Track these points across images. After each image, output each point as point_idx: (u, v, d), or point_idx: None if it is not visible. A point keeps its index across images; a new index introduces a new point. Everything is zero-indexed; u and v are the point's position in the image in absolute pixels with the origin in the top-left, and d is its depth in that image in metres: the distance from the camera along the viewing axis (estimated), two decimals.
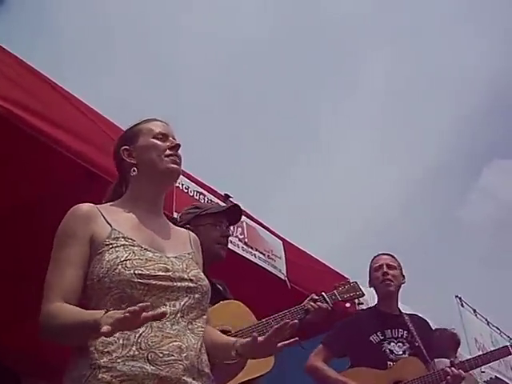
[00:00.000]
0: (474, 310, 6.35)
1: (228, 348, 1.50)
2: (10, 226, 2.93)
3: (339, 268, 4.18)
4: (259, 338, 1.41)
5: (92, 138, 2.56)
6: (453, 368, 2.66)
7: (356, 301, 4.03)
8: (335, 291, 2.50)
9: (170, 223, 1.71)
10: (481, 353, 3.11)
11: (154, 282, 1.39)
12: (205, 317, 1.51)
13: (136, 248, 1.44)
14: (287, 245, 3.76)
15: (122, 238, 1.45)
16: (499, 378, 5.95)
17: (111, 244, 1.43)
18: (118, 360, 1.29)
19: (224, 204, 2.47)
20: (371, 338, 2.84)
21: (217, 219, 2.36)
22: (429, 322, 3.15)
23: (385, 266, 2.99)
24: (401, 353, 2.82)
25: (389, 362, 2.78)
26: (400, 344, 2.85)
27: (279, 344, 1.42)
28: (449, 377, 2.63)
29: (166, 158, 1.59)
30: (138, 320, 1.20)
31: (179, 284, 1.44)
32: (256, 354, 1.49)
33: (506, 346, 2.94)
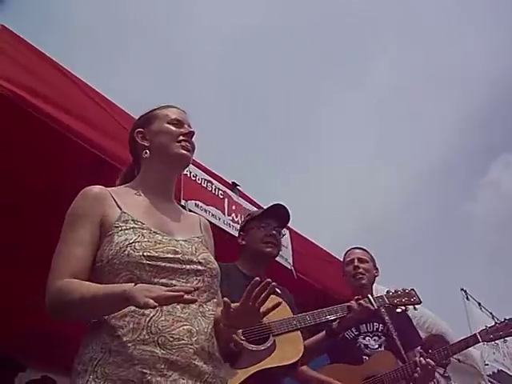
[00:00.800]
0: (479, 304, 6.34)
1: (219, 323, 1.50)
2: (22, 212, 2.94)
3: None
4: (233, 305, 1.43)
5: (102, 125, 2.57)
6: (421, 358, 2.65)
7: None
8: (384, 295, 2.51)
9: (180, 208, 1.72)
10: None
11: (162, 264, 1.40)
12: (215, 300, 1.52)
13: (145, 231, 1.45)
14: (294, 234, 3.77)
15: (132, 220, 1.46)
16: (503, 371, 5.96)
17: (121, 226, 1.44)
18: (129, 344, 1.30)
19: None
20: (346, 334, 2.82)
21: (261, 221, 2.46)
22: (407, 312, 3.03)
23: (356, 260, 3.01)
24: (376, 346, 2.82)
25: (364, 357, 2.78)
26: (376, 338, 2.84)
27: (262, 309, 1.44)
28: (418, 368, 2.62)
29: (177, 144, 1.61)
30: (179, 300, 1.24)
31: (188, 267, 1.45)
32: (239, 321, 1.48)
33: (475, 334, 2.91)
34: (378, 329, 2.87)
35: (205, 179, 3.20)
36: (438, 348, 2.77)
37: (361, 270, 2.97)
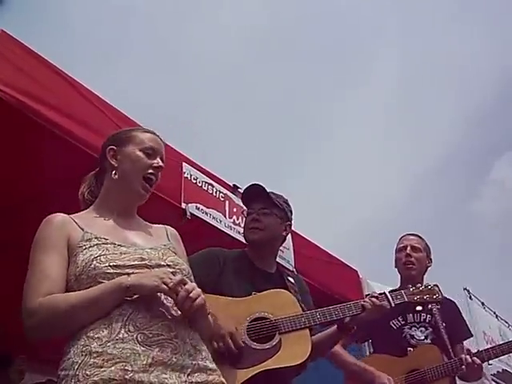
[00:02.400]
0: (483, 303, 6.32)
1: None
2: (23, 214, 2.95)
3: (347, 255, 4.20)
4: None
5: (100, 127, 2.56)
6: (468, 356, 2.60)
7: None
8: (403, 291, 2.34)
9: (144, 221, 1.72)
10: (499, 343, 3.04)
11: (130, 271, 1.41)
12: None
13: (109, 245, 1.46)
14: (295, 236, 3.76)
15: (95, 238, 1.47)
16: (507, 371, 5.94)
17: (84, 245, 1.45)
18: (108, 343, 1.30)
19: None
20: (391, 323, 2.78)
21: (245, 202, 2.42)
22: (456, 303, 3.05)
23: (409, 248, 2.89)
24: (423, 338, 2.75)
25: (409, 348, 2.72)
26: (422, 329, 2.78)
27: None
28: (463, 366, 2.58)
29: (141, 181, 1.61)
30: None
31: (157, 269, 1.45)
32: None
33: None
34: (425, 319, 2.80)
35: (205, 182, 3.19)
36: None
37: (412, 259, 2.86)
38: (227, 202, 3.32)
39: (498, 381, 6.04)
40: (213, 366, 1.44)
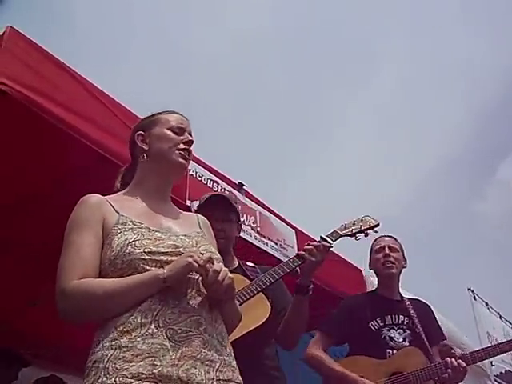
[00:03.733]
0: (487, 304, 6.31)
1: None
2: (26, 210, 2.96)
3: (350, 255, 4.19)
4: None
5: (105, 123, 2.57)
6: (453, 359, 2.55)
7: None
8: (336, 229, 2.34)
9: (177, 208, 1.73)
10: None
11: (165, 258, 1.41)
12: None
13: (144, 230, 1.47)
14: (300, 234, 3.76)
15: (130, 222, 1.48)
16: (510, 372, 5.92)
17: (119, 229, 1.46)
18: (138, 339, 1.30)
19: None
20: (370, 325, 2.74)
21: (204, 214, 2.32)
22: (431, 306, 3.02)
23: (387, 248, 2.89)
24: (401, 340, 2.71)
25: (388, 350, 2.68)
26: (400, 331, 2.74)
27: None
28: (449, 369, 2.53)
29: (176, 152, 1.62)
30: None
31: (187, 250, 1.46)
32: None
33: (511, 340, 2.81)
34: (403, 321, 2.77)
35: (211, 179, 3.20)
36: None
37: (391, 259, 2.85)
38: None
39: (501, 382, 6.02)
40: (235, 363, 1.44)
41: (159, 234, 1.48)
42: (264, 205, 3.66)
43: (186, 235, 1.54)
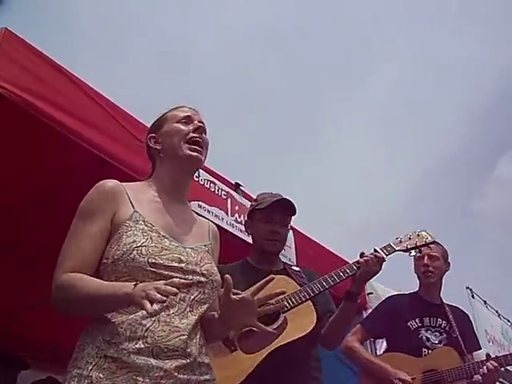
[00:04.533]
0: (485, 302, 6.31)
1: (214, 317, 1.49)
2: (25, 213, 2.96)
3: (347, 255, 4.20)
4: (234, 294, 1.40)
5: (104, 126, 2.58)
6: (488, 362, 2.64)
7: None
8: (391, 242, 2.31)
9: (191, 211, 1.73)
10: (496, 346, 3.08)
11: (165, 273, 1.40)
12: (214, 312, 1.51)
13: (154, 234, 1.45)
14: (297, 234, 3.77)
15: (142, 221, 1.46)
16: (509, 371, 5.93)
17: (130, 226, 1.44)
18: (124, 351, 1.30)
19: (273, 197, 2.37)
20: (409, 324, 2.84)
21: (266, 214, 2.35)
22: (470, 316, 3.14)
23: (426, 258, 2.96)
24: (437, 342, 2.82)
25: (424, 350, 2.78)
26: (437, 333, 2.84)
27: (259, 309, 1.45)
28: (481, 370, 2.61)
29: (185, 145, 1.60)
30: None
31: (190, 277, 1.44)
32: (235, 312, 1.43)
33: None
34: (441, 325, 2.87)
35: (208, 180, 3.20)
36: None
37: (430, 269, 2.94)
38: (229, 200, 3.34)
39: (502, 381, 6.03)
40: (211, 376, 1.46)
41: (167, 243, 1.45)
42: None
43: (193, 248, 1.52)
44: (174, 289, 1.22)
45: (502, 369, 5.83)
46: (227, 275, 1.41)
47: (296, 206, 2.37)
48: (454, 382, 2.64)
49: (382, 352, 3.11)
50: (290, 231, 3.75)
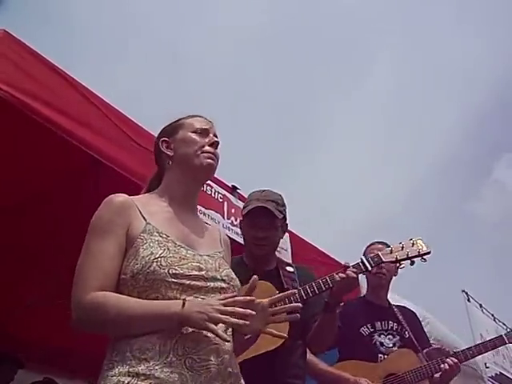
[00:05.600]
0: (481, 305, 6.33)
1: None
2: (20, 215, 2.96)
3: (343, 256, 4.19)
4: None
5: (99, 127, 2.57)
6: (447, 358, 2.61)
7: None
8: (379, 252, 2.25)
9: (202, 220, 1.73)
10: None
11: (187, 282, 1.39)
12: None
13: (170, 244, 1.43)
14: (293, 237, 3.76)
15: (157, 233, 1.44)
16: (503, 374, 5.95)
17: (145, 239, 1.42)
18: (156, 367, 1.28)
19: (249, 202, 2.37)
20: (361, 330, 2.77)
21: (250, 219, 2.36)
22: (416, 313, 3.09)
23: None
24: (391, 345, 2.76)
25: (379, 355, 2.72)
26: (390, 336, 2.79)
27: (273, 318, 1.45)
28: (442, 366, 2.59)
29: (202, 154, 1.59)
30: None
31: (212, 284, 1.43)
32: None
33: (501, 336, 2.88)
34: (392, 327, 2.82)
35: None
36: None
37: (384, 271, 2.88)
38: (226, 203, 3.33)
39: (495, 383, 6.05)
40: None
41: (184, 252, 1.44)
42: None
43: (210, 256, 1.51)
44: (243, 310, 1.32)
45: (496, 372, 5.85)
46: (255, 276, 1.43)
47: (278, 208, 2.35)
48: (417, 383, 2.60)
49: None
50: (287, 234, 3.76)
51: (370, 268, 2.19)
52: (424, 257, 2.21)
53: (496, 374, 5.92)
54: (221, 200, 3.30)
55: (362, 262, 2.20)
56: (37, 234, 3.01)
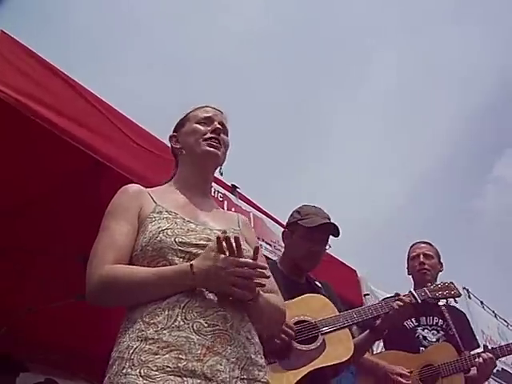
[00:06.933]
0: (482, 302, 6.33)
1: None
2: (21, 216, 2.96)
3: (346, 254, 4.20)
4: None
5: (99, 128, 2.57)
6: (483, 353, 2.67)
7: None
8: (425, 288, 2.44)
9: (217, 205, 1.74)
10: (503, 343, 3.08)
11: (194, 251, 1.40)
12: None
13: (179, 219, 1.48)
14: None
15: (166, 211, 1.49)
16: (506, 371, 5.95)
17: (154, 217, 1.47)
18: (164, 331, 1.29)
19: (318, 217, 2.34)
20: (406, 323, 2.85)
21: (310, 233, 2.32)
22: (466, 315, 3.17)
23: (421, 256, 3.02)
24: (434, 340, 2.85)
25: (421, 348, 2.81)
26: (434, 331, 2.88)
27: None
28: (477, 360, 2.65)
29: (203, 142, 1.63)
30: None
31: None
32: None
33: None
34: (437, 323, 2.90)
35: None
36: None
37: (426, 267, 2.98)
38: (226, 202, 3.33)
39: (498, 380, 6.05)
40: (263, 361, 1.42)
41: (193, 226, 1.47)
42: (258, 206, 3.67)
43: (221, 230, 1.47)
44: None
45: (498, 368, 5.86)
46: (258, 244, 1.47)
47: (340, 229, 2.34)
48: (451, 376, 2.67)
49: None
50: None
51: (419, 300, 2.35)
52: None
53: (498, 371, 5.92)
54: (221, 199, 3.30)
55: (411, 293, 2.37)
56: (40, 236, 3.01)
